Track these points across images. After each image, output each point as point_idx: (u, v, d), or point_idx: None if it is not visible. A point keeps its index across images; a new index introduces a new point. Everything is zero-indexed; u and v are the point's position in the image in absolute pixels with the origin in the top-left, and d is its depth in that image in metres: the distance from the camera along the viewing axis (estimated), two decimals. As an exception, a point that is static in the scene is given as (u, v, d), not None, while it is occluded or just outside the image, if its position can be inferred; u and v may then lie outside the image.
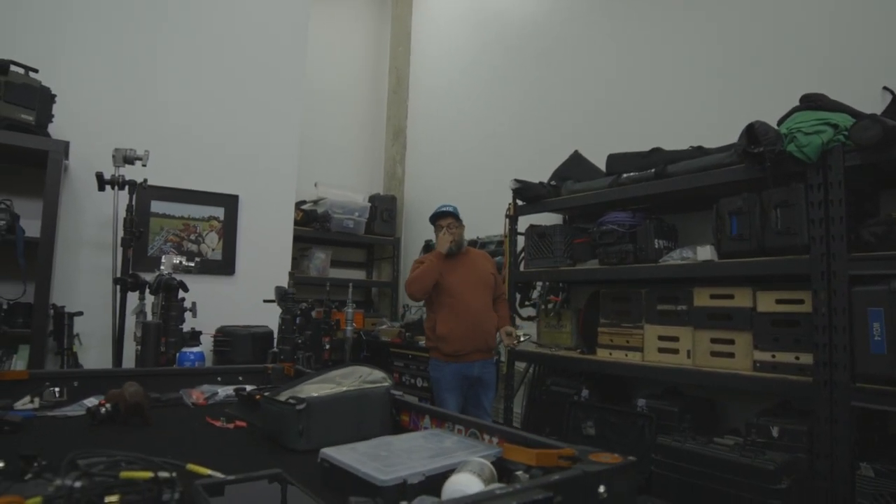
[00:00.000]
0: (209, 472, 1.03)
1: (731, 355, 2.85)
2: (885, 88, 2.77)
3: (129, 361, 3.12)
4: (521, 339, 3.58)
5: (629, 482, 0.76)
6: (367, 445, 1.03)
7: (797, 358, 2.61)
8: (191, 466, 1.04)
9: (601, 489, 0.73)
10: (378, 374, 1.38)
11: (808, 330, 2.54)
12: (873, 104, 2.72)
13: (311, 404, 1.20)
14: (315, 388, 1.32)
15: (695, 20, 3.72)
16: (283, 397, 1.28)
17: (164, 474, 0.84)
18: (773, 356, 2.69)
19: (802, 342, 2.59)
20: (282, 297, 2.74)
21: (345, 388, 1.29)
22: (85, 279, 3.47)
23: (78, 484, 0.81)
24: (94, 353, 3.36)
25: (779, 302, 2.71)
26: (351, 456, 0.95)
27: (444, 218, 3.57)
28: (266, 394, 1.34)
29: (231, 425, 1.46)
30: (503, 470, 0.92)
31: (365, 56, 6.49)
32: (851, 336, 2.36)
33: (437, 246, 3.42)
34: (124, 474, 0.88)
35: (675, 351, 3.08)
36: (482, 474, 0.83)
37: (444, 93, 5.89)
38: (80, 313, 3.26)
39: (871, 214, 2.63)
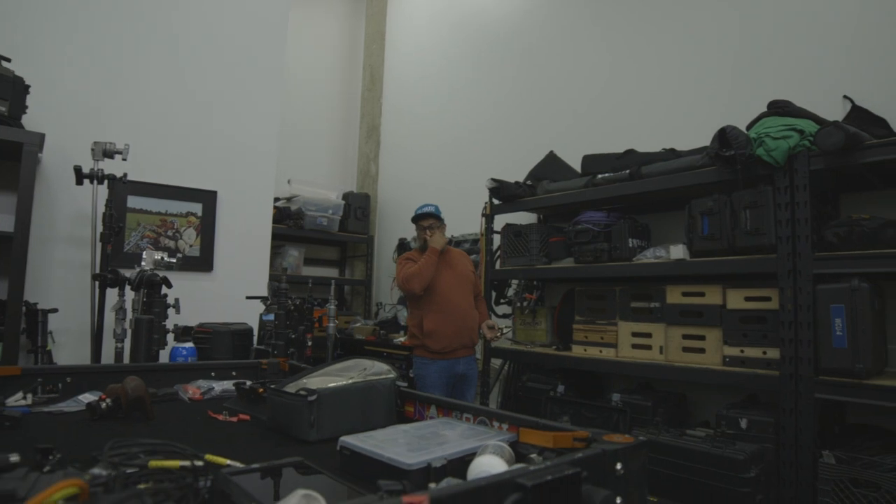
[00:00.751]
0: (228, 461, 1.06)
1: (702, 351, 2.97)
2: (846, 97, 2.93)
3: (107, 358, 3.08)
4: (503, 332, 3.67)
5: (641, 461, 0.83)
6: (384, 434, 1.07)
7: (764, 353, 2.74)
8: (210, 457, 1.07)
9: (618, 466, 0.79)
10: (382, 366, 1.43)
11: (774, 326, 2.68)
12: (834, 111, 2.88)
13: (322, 395, 1.24)
14: (320, 381, 1.35)
15: (669, 27, 3.85)
16: (290, 390, 1.31)
17: (197, 462, 0.87)
18: (742, 351, 2.82)
19: (769, 338, 2.72)
20: (275, 293, 2.75)
21: (352, 380, 1.33)
22: (59, 275, 3.40)
23: (108, 472, 0.83)
24: (68, 351, 3.30)
25: (747, 299, 2.84)
26: (371, 443, 1.00)
27: (426, 219, 3.61)
28: (272, 386, 1.37)
29: (234, 419, 1.49)
30: (517, 454, 0.97)
31: (339, 53, 6.48)
32: (815, 331, 2.50)
33: (432, 243, 3.45)
34: (153, 463, 0.91)
35: (648, 347, 3.19)
36: (503, 455, 0.88)
37: (418, 91, 5.93)
38: (55, 310, 3.19)
39: (832, 216, 2.78)
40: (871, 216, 2.51)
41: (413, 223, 3.70)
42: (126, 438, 0.94)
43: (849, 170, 2.57)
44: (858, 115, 2.81)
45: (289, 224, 5.25)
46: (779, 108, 2.80)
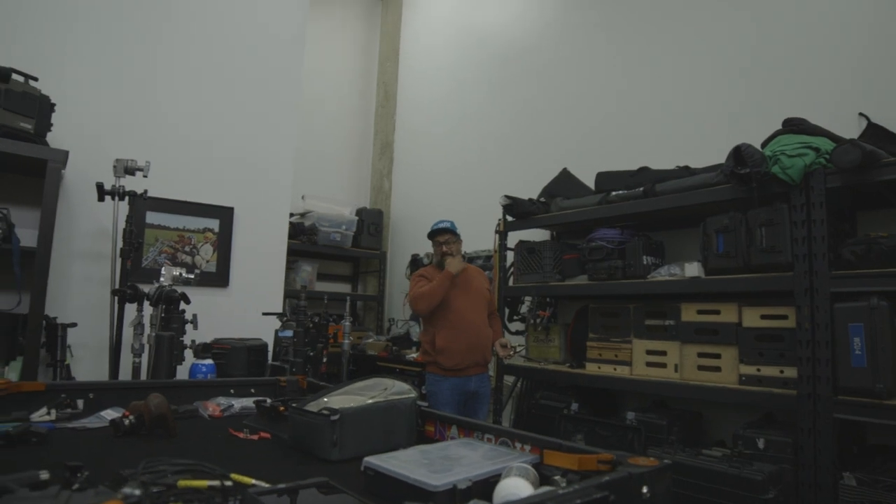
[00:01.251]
0: (253, 481, 1.08)
1: (718, 369, 2.95)
2: (861, 114, 2.93)
3: (124, 373, 3.11)
4: (516, 350, 3.67)
5: (667, 484, 0.83)
6: (407, 454, 1.08)
7: (781, 372, 2.71)
8: (234, 476, 1.08)
9: (644, 489, 0.79)
10: (402, 385, 1.44)
11: (791, 344, 2.65)
12: (850, 129, 2.87)
13: (345, 415, 1.25)
14: (341, 400, 1.36)
15: (682, 45, 3.87)
16: (311, 409, 1.32)
17: (226, 483, 0.88)
18: (759, 370, 2.79)
19: (786, 356, 2.70)
20: (294, 310, 2.77)
21: (374, 400, 1.34)
22: (78, 290, 3.45)
23: (141, 492, 0.85)
24: (86, 365, 3.33)
25: (763, 317, 2.82)
26: (396, 464, 1.01)
27: (442, 234, 3.62)
28: (294, 405, 1.39)
29: (255, 437, 1.50)
30: (541, 476, 0.98)
31: (353, 71, 6.56)
32: (833, 350, 2.48)
33: (449, 266, 3.44)
34: (182, 483, 0.93)
35: (663, 365, 3.17)
36: (528, 478, 0.89)
37: (432, 108, 5.97)
38: (74, 324, 3.23)
39: (849, 234, 2.77)
40: (889, 234, 2.49)
41: (429, 239, 3.72)
42: (157, 458, 0.95)
43: (866, 187, 2.56)
44: (874, 132, 2.80)
45: (302, 240, 5.29)
46: (794, 126, 2.80)
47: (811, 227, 2.60)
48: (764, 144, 2.86)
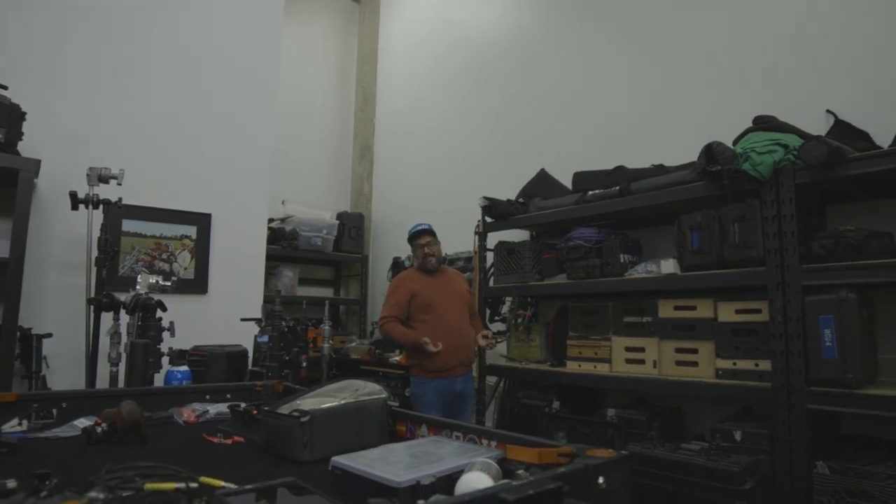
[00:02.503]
0: (222, 483, 1.08)
1: (695, 364, 2.99)
2: (829, 111, 2.99)
3: (101, 383, 3.08)
4: (498, 340, 3.70)
5: (623, 474, 0.85)
6: (375, 453, 1.09)
7: (756, 365, 2.76)
8: (204, 479, 1.08)
9: (600, 480, 0.81)
10: (373, 386, 1.45)
11: (765, 338, 2.70)
12: (818, 125, 2.93)
13: (315, 416, 1.26)
14: (313, 402, 1.37)
15: (656, 47, 3.93)
16: (284, 411, 1.33)
17: (191, 484, 0.89)
18: (734, 364, 2.84)
19: (761, 350, 2.74)
20: (269, 315, 2.76)
21: (345, 401, 1.34)
22: (53, 300, 3.41)
23: (110, 496, 0.85)
24: (63, 376, 3.29)
25: (738, 312, 2.87)
26: (362, 462, 1.02)
27: (423, 236, 3.65)
28: (266, 408, 1.39)
29: (229, 441, 1.50)
30: (505, 471, 0.99)
31: (331, 74, 6.55)
32: (805, 343, 2.53)
33: (427, 347, 3.36)
34: (149, 486, 0.93)
35: (642, 361, 3.21)
36: (490, 472, 0.90)
37: (411, 111, 5.99)
38: (49, 335, 3.20)
39: (819, 229, 2.82)
40: (856, 228, 2.55)
41: (409, 243, 3.73)
42: (122, 462, 0.95)
43: (833, 183, 2.61)
44: (841, 129, 2.87)
45: (283, 245, 5.27)
46: (764, 124, 2.85)
47: (782, 222, 2.65)
48: (735, 142, 2.91)
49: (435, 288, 3.57)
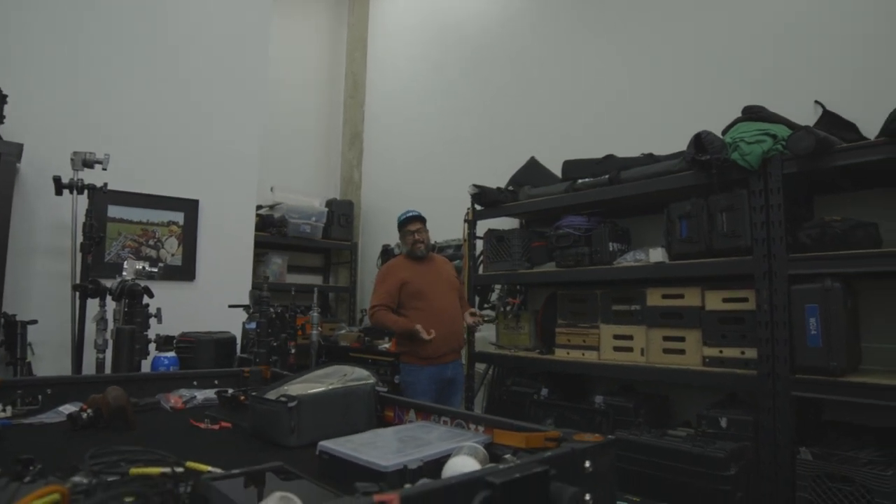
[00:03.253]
0: (209, 468, 1.07)
1: (682, 352, 3.02)
2: (817, 102, 3.00)
3: (88, 369, 3.06)
4: (485, 318, 3.72)
5: (610, 459, 0.86)
6: (362, 438, 1.09)
7: (742, 353, 2.79)
8: (190, 464, 1.08)
9: (587, 464, 0.82)
10: (361, 372, 1.44)
11: (752, 326, 2.73)
12: (806, 116, 2.95)
13: (303, 401, 1.25)
14: (300, 388, 1.37)
15: (647, 36, 3.92)
16: (271, 396, 1.33)
17: (177, 469, 0.88)
18: (721, 351, 2.87)
19: (747, 338, 2.77)
20: (256, 301, 2.75)
21: (332, 386, 1.34)
22: (38, 286, 3.37)
23: (94, 480, 0.84)
24: (49, 363, 3.26)
25: (725, 300, 2.89)
26: (349, 447, 1.02)
27: (413, 223, 3.64)
28: (254, 393, 1.39)
29: (216, 426, 1.50)
30: (492, 455, 1.00)
31: (321, 61, 6.49)
32: (791, 331, 2.55)
33: (420, 334, 3.39)
34: (134, 470, 0.92)
35: (630, 349, 3.23)
36: (477, 456, 0.91)
37: (401, 98, 5.95)
38: (35, 321, 3.16)
39: (806, 218, 2.84)
40: (842, 218, 2.57)
41: (399, 230, 3.72)
42: (106, 447, 0.95)
43: (821, 173, 2.63)
44: (829, 119, 2.88)
45: (272, 232, 5.24)
46: (753, 114, 2.86)
47: (769, 211, 2.67)
48: (724, 132, 2.92)
49: (425, 275, 3.58)
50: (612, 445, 0.86)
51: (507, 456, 0.95)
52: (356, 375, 1.42)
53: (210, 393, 1.82)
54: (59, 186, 3.05)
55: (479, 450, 0.94)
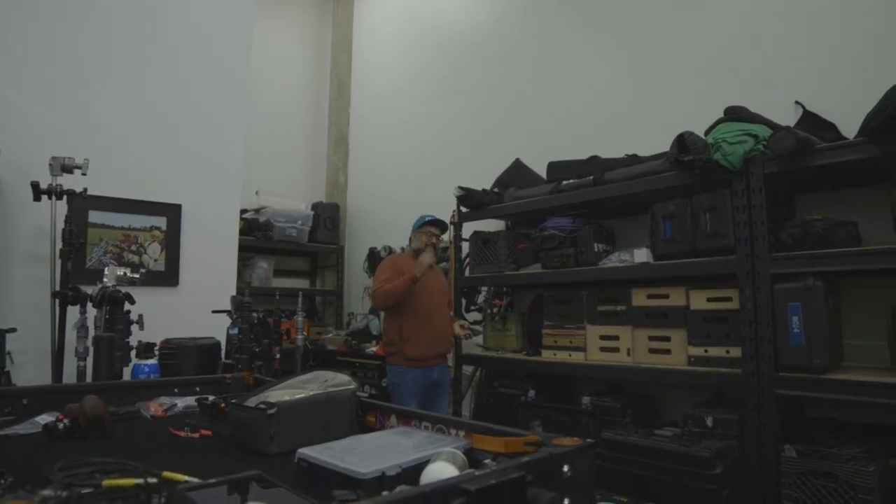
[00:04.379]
0: (186, 477, 1.06)
1: (668, 352, 3.03)
2: (797, 102, 3.03)
3: (69, 378, 3.01)
4: (474, 331, 3.74)
5: (589, 462, 0.85)
6: (342, 444, 1.08)
7: (727, 352, 2.80)
8: (167, 473, 1.06)
9: (565, 468, 0.81)
10: (342, 377, 1.43)
11: (736, 325, 2.74)
12: (787, 116, 2.97)
13: (282, 408, 1.24)
14: (281, 394, 1.35)
15: (629, 38, 3.94)
16: (251, 403, 1.31)
17: (150, 480, 0.87)
18: (706, 351, 2.88)
19: (731, 337, 2.79)
20: (238, 306, 2.72)
21: (313, 392, 1.33)
22: (17, 294, 3.32)
23: (65, 493, 0.83)
24: (28, 371, 3.20)
25: (710, 300, 2.91)
26: (328, 454, 1.00)
27: (435, 226, 3.66)
28: (233, 401, 1.37)
29: (196, 434, 1.48)
30: (472, 460, 0.99)
31: (305, 63, 6.47)
32: (774, 329, 2.57)
33: (418, 270, 3.39)
34: (107, 482, 0.90)
35: (616, 349, 3.24)
36: (455, 462, 0.90)
37: (386, 100, 5.94)
38: (13, 329, 3.11)
39: (788, 218, 2.86)
40: (823, 217, 2.59)
41: (415, 228, 3.71)
42: (78, 458, 0.93)
43: (801, 173, 2.65)
44: (809, 120, 2.91)
45: (257, 235, 5.21)
46: (734, 114, 2.88)
47: (752, 211, 2.68)
48: (707, 132, 2.94)
49: (425, 278, 3.58)
50: (591, 449, 0.86)
51: (487, 461, 0.94)
52: (337, 381, 1.41)
53: (191, 400, 1.80)
54: (38, 192, 3.01)
55: (458, 455, 0.93)
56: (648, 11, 3.85)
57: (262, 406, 1.25)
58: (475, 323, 4.29)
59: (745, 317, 2.67)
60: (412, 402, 3.44)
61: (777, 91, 3.14)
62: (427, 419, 1.23)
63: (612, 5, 4.07)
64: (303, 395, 1.31)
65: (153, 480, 0.87)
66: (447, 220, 4.18)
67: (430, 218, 3.70)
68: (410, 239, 3.76)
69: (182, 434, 1.49)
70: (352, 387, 1.39)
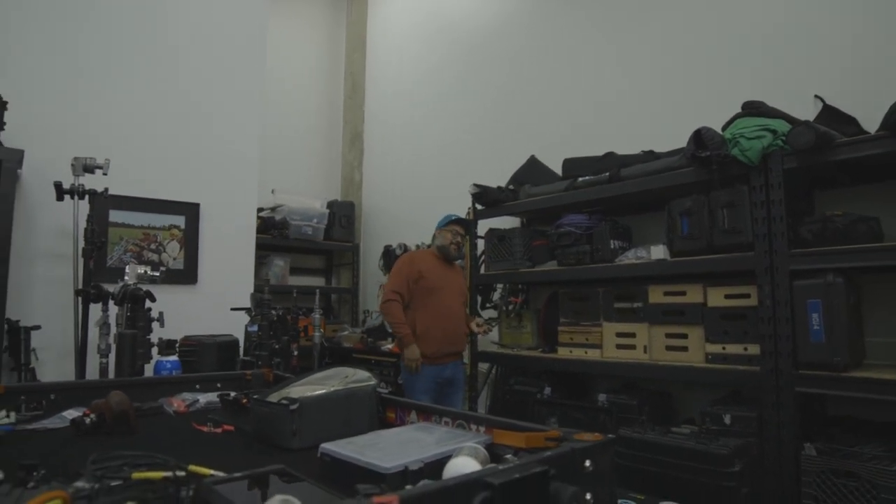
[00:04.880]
0: (211, 471, 1.08)
1: (685, 349, 3.01)
2: (817, 96, 3.00)
3: (91, 374, 3.07)
4: (491, 326, 3.80)
5: (610, 457, 0.86)
6: (364, 439, 1.09)
7: (745, 349, 2.78)
8: (193, 467, 1.08)
9: (587, 463, 0.82)
10: (363, 373, 1.45)
11: (754, 322, 2.72)
12: (806, 110, 2.94)
13: (304, 404, 1.26)
14: (302, 390, 1.37)
15: (645, 33, 3.91)
16: (273, 399, 1.33)
17: (179, 473, 0.88)
18: (724, 348, 2.86)
19: (750, 334, 2.76)
20: (258, 303, 2.75)
21: (334, 388, 1.34)
22: (40, 292, 3.38)
23: (97, 485, 0.85)
24: (52, 368, 3.27)
25: (727, 297, 2.89)
26: (351, 449, 1.02)
27: (460, 225, 3.71)
28: (255, 397, 1.39)
29: (219, 429, 1.50)
30: (493, 455, 1.00)
31: (320, 61, 6.50)
32: (793, 326, 2.54)
33: (408, 355, 3.47)
34: (136, 475, 0.92)
35: (633, 347, 3.23)
36: (477, 457, 0.91)
37: (400, 98, 5.95)
38: (38, 327, 3.17)
39: (807, 213, 2.84)
40: (843, 213, 2.56)
41: (440, 226, 3.74)
42: (108, 452, 0.95)
43: (821, 168, 2.62)
44: (829, 114, 2.88)
45: (273, 234, 5.25)
46: (752, 109, 2.85)
47: (770, 207, 2.66)
48: (724, 127, 2.91)
49: (443, 275, 3.61)
50: (612, 444, 0.86)
51: (508, 456, 0.95)
52: (357, 377, 1.42)
53: (213, 396, 1.83)
54: (60, 192, 3.06)
55: (480, 450, 0.94)
56: (664, 6, 3.82)
57: (284, 402, 1.27)
58: (490, 320, 4.30)
59: (764, 314, 2.64)
60: (425, 398, 3.46)
61: (796, 85, 3.10)
62: (447, 415, 1.25)
63: (631, 2, 4.04)
64: (324, 391, 1.32)
65: (181, 474, 0.89)
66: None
67: (456, 217, 3.72)
68: (434, 235, 3.78)
69: (205, 429, 1.51)
70: (372, 383, 1.41)
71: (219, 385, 1.99)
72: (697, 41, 3.62)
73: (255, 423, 1.39)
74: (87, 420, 1.46)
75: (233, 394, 1.67)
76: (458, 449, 0.95)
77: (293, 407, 1.24)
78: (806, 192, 2.96)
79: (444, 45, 5.50)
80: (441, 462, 0.95)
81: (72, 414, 1.60)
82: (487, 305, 4.31)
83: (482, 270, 4.15)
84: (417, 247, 4.71)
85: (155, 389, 1.90)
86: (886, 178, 2.74)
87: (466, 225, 3.72)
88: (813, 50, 3.11)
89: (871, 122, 2.65)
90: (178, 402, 1.77)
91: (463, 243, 3.72)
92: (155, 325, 2.74)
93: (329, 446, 1.05)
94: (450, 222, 3.71)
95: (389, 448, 1.01)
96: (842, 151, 2.50)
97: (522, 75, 4.70)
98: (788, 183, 2.64)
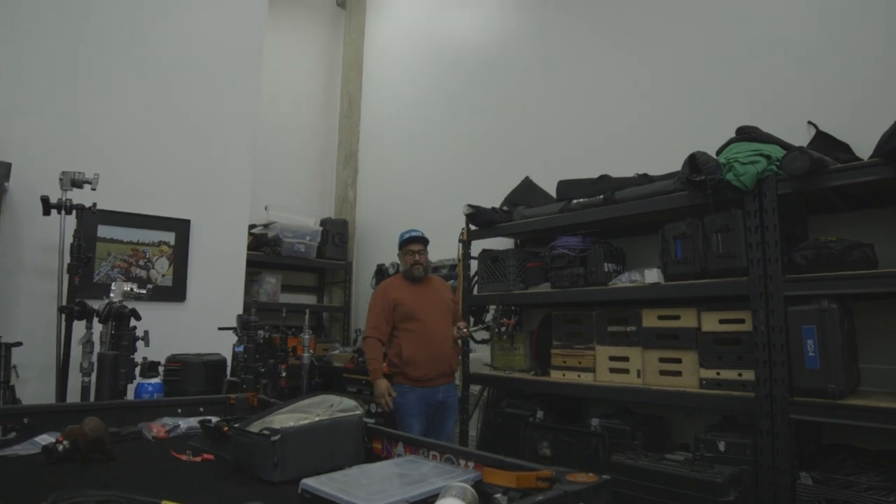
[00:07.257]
0: (185, 507, 1.03)
1: (679, 374, 2.97)
2: (810, 122, 3.00)
3: (73, 394, 2.99)
4: (473, 331, 3.77)
5: (604, 499, 0.81)
6: (346, 475, 1.05)
7: (740, 374, 2.75)
8: (166, 502, 1.03)
9: (581, 508, 0.77)
10: (349, 402, 1.40)
11: (749, 348, 2.69)
12: (800, 137, 2.94)
13: (286, 435, 1.21)
14: (286, 419, 1.32)
15: (640, 57, 3.93)
16: (254, 428, 1.28)
17: (147, 511, 0.84)
18: (718, 373, 2.82)
19: (744, 359, 2.73)
20: (243, 325, 2.70)
21: (318, 418, 1.30)
22: (24, 307, 3.32)
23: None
24: (33, 386, 3.20)
25: (722, 322, 2.86)
26: (333, 486, 0.97)
27: (415, 243, 3.60)
28: (236, 425, 1.34)
29: (198, 458, 1.44)
30: (481, 493, 0.95)
31: (316, 80, 6.50)
32: (788, 353, 2.51)
33: (377, 388, 3.45)
34: (102, 514, 0.87)
35: (626, 371, 3.18)
36: (465, 498, 0.86)
37: (396, 118, 5.95)
38: (19, 343, 3.10)
39: (801, 238, 2.82)
40: (837, 238, 2.54)
41: (399, 249, 3.68)
42: (71, 490, 0.90)
43: (815, 193, 2.61)
44: (823, 140, 2.88)
45: (266, 251, 5.21)
46: (747, 134, 2.85)
47: (764, 232, 2.64)
48: (719, 152, 2.90)
49: (419, 297, 3.54)
50: (607, 486, 0.82)
51: (498, 496, 0.90)
52: (343, 406, 1.37)
53: (194, 421, 1.77)
54: (47, 206, 3.01)
55: (469, 491, 0.90)
56: (658, 31, 3.84)
57: (265, 432, 1.22)
58: (483, 342, 4.25)
59: (759, 339, 2.61)
60: (416, 421, 3.40)
61: (789, 111, 3.11)
62: (435, 448, 1.20)
63: (621, 25, 4.07)
64: (307, 422, 1.28)
65: (151, 513, 0.84)
66: (457, 238, 4.17)
67: (408, 236, 3.64)
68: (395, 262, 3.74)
69: (184, 458, 1.46)
70: (358, 412, 1.36)
71: (201, 409, 1.94)
72: (692, 66, 3.63)
73: (235, 453, 1.34)
74: (60, 447, 1.40)
75: (214, 420, 1.61)
76: (445, 488, 0.90)
77: (274, 438, 1.19)
78: (799, 218, 2.94)
79: (440, 67, 5.51)
80: (426, 501, 0.90)
81: (45, 439, 1.54)
82: (480, 326, 4.26)
83: (475, 291, 4.11)
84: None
85: (135, 414, 1.84)
86: (880, 205, 2.73)
87: (420, 238, 3.64)
88: (806, 76, 3.12)
89: (863, 147, 2.65)
90: (157, 428, 1.71)
91: (424, 259, 3.63)
92: (140, 344, 2.68)
93: (310, 482, 1.00)
94: (402, 244, 3.65)
95: (373, 486, 0.96)
96: (835, 177, 2.49)
97: (517, 97, 4.70)
98: (782, 208, 2.63)
